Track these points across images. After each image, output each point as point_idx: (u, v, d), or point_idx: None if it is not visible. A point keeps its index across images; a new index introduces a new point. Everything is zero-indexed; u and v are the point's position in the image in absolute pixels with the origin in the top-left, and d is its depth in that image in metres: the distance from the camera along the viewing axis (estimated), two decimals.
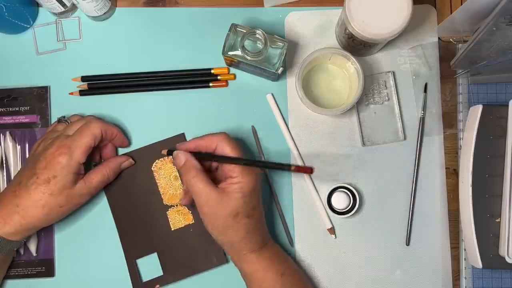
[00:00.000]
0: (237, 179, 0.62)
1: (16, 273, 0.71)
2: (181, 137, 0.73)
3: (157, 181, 0.72)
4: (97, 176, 0.67)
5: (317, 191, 0.73)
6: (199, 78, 0.73)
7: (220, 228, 0.63)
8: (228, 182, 0.62)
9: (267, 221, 0.72)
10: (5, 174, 0.72)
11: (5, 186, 0.72)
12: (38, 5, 0.74)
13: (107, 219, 0.72)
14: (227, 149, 0.63)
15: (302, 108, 0.73)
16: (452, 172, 0.73)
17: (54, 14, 0.73)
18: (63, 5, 0.71)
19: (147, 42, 0.74)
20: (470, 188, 0.68)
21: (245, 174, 0.62)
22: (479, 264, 0.68)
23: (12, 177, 0.72)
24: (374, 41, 0.64)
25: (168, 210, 0.72)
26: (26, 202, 0.63)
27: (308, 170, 0.54)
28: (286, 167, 0.61)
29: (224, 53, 0.67)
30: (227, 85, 0.74)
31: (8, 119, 0.73)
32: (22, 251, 0.72)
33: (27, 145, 0.73)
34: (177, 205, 0.72)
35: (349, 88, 0.71)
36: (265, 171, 0.72)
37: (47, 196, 0.63)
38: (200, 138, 0.65)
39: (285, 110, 0.74)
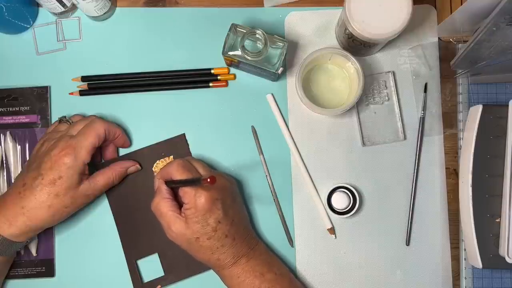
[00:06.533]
0: (188, 205, 0.62)
1: (16, 273, 0.71)
2: (182, 138, 0.73)
3: None
4: (103, 178, 0.67)
5: (317, 191, 0.73)
6: (199, 78, 0.73)
7: (188, 249, 0.65)
8: (183, 208, 0.63)
9: (267, 221, 0.72)
10: (5, 174, 0.72)
11: (5, 186, 0.72)
12: (38, 5, 0.74)
13: (107, 219, 0.72)
14: (175, 174, 0.63)
15: (302, 108, 0.73)
16: (452, 172, 0.73)
17: (54, 14, 0.73)
18: (63, 5, 0.71)
19: (147, 42, 0.74)
20: (470, 188, 0.68)
21: (196, 198, 0.61)
22: (479, 264, 0.68)
23: (13, 177, 0.72)
24: (374, 41, 0.64)
25: None
26: (32, 203, 0.63)
27: (212, 180, 0.57)
28: (197, 182, 0.60)
29: (224, 53, 0.67)
30: (227, 85, 0.74)
31: (8, 119, 0.73)
32: (22, 251, 0.72)
33: (27, 145, 0.73)
34: None
35: (349, 88, 0.71)
36: (265, 171, 0.72)
37: (53, 197, 0.63)
38: (166, 166, 0.66)
39: (285, 110, 0.74)
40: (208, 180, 0.56)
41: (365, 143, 0.73)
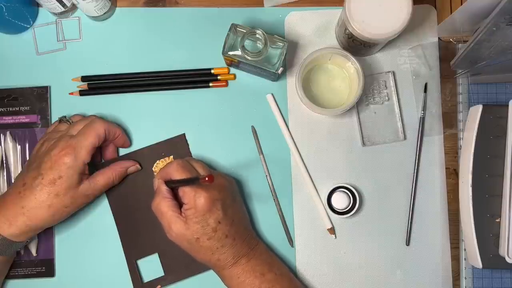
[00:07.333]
0: (188, 205, 0.62)
1: (16, 273, 0.71)
2: (182, 138, 0.73)
3: None
4: (103, 178, 0.67)
5: (317, 191, 0.73)
6: (199, 78, 0.73)
7: (188, 250, 0.64)
8: (183, 208, 0.63)
9: (267, 221, 0.72)
10: (5, 174, 0.72)
11: (5, 186, 0.72)
12: (38, 5, 0.74)
13: (107, 219, 0.72)
14: (175, 174, 0.63)
15: (302, 108, 0.73)
16: (452, 172, 0.73)
17: (54, 14, 0.73)
18: (63, 5, 0.71)
19: (147, 42, 0.74)
20: (470, 188, 0.68)
21: (195, 198, 0.61)
22: (479, 264, 0.68)
23: (13, 177, 0.72)
24: (374, 41, 0.64)
25: None
26: (32, 203, 0.63)
27: (210, 179, 0.57)
28: (196, 181, 0.60)
29: (224, 53, 0.67)
30: (227, 85, 0.74)
31: (8, 119, 0.73)
32: (22, 251, 0.72)
33: (27, 145, 0.73)
34: None
35: (349, 88, 0.71)
36: (265, 171, 0.72)
37: (53, 197, 0.63)
38: (165, 166, 0.66)
39: (285, 110, 0.74)
40: (206, 178, 0.56)
41: (365, 143, 0.73)
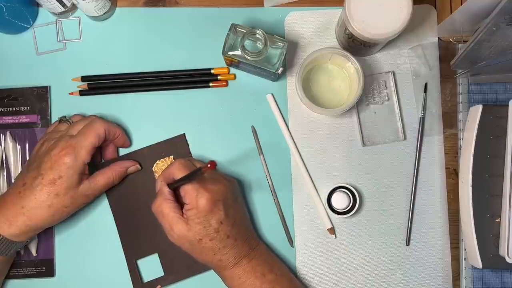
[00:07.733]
0: (189, 205, 0.62)
1: (16, 273, 0.71)
2: (182, 138, 0.73)
3: None
4: (103, 178, 0.67)
5: (317, 191, 0.73)
6: (199, 78, 0.73)
7: (189, 251, 0.64)
8: (185, 208, 0.63)
9: (267, 221, 0.72)
10: (5, 174, 0.72)
11: (5, 186, 0.72)
12: (38, 5, 0.74)
13: (107, 219, 0.72)
14: (177, 174, 0.63)
15: (302, 108, 0.73)
16: (452, 172, 0.73)
17: (54, 14, 0.73)
18: (63, 5, 0.71)
19: (147, 42, 0.74)
20: (470, 188, 0.68)
21: (197, 199, 0.61)
22: (479, 264, 0.68)
23: (13, 177, 0.72)
24: (374, 41, 0.64)
25: None
26: (32, 203, 0.63)
27: (212, 165, 0.56)
28: (199, 172, 0.59)
29: (224, 53, 0.67)
30: (227, 85, 0.74)
31: (8, 119, 0.73)
32: (22, 251, 0.72)
33: (27, 145, 0.73)
34: None
35: (349, 88, 0.71)
36: (265, 171, 0.72)
37: (53, 197, 0.63)
38: (168, 167, 0.66)
39: (285, 110, 0.74)
40: (209, 165, 0.55)
41: (365, 143, 0.73)
